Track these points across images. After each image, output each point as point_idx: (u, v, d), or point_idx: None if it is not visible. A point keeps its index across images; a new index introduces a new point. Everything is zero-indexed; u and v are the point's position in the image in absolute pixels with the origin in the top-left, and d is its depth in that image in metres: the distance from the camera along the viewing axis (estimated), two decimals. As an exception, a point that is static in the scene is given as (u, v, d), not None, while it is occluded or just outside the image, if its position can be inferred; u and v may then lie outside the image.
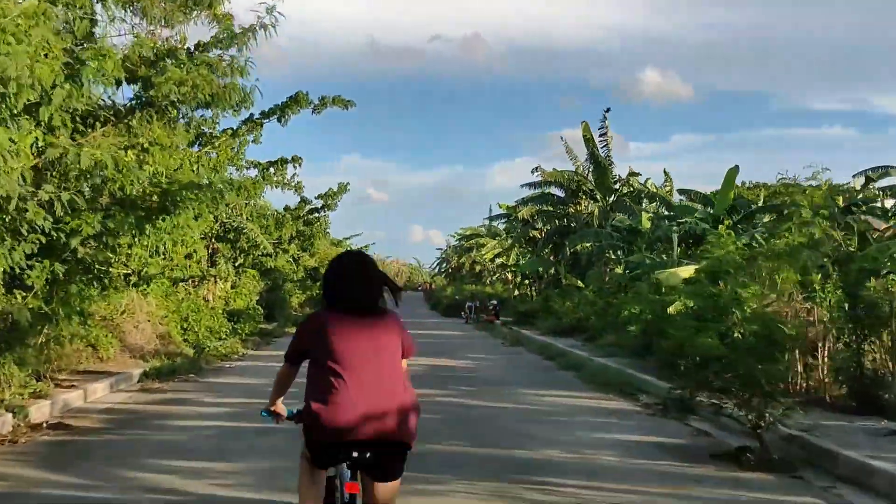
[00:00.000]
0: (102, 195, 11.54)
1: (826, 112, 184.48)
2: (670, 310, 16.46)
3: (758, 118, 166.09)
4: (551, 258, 33.85)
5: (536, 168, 31.27)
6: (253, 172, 22.12)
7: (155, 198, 11.74)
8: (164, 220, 12.00)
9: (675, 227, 22.38)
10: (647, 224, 24.52)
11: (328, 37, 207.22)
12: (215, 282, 28.24)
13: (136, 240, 12.23)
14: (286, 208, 36.58)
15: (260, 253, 28.91)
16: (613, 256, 26.53)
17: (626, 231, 25.03)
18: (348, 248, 66.66)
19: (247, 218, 29.94)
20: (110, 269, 12.58)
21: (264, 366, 17.27)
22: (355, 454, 3.64)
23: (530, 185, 31.94)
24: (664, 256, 21.06)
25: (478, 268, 57.64)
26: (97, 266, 12.09)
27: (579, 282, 29.92)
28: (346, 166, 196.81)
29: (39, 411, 10.13)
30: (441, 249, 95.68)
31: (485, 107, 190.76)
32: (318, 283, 45.72)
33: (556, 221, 33.07)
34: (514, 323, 31.23)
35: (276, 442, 8.40)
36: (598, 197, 30.00)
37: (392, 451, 3.74)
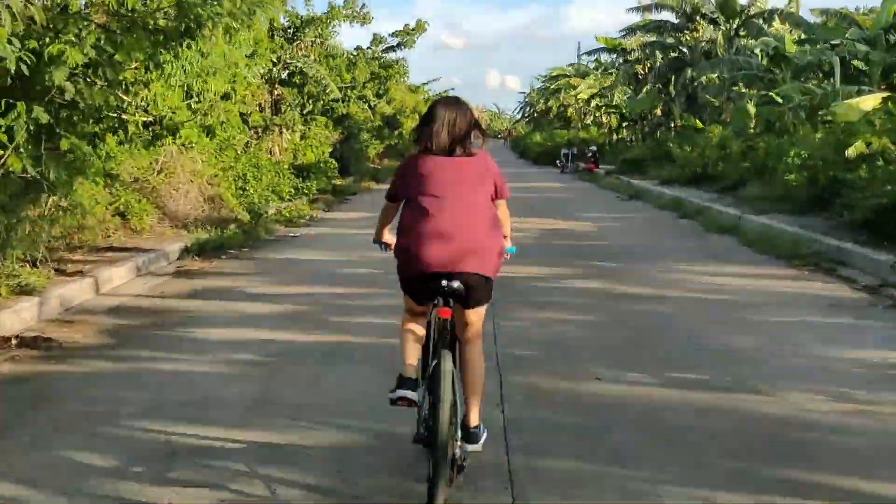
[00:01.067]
0: (95, 7, 8.17)
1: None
2: (850, 152, 12.70)
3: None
4: (662, 95, 29.45)
5: (638, -11, 26.53)
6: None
7: (170, 12, 8.25)
8: (188, 46, 8.64)
9: (830, 51, 17.99)
10: (792, 48, 20.02)
11: None
12: (280, 132, 25.01)
13: (151, 73, 8.92)
14: (358, 48, 32.83)
15: (330, 99, 25.37)
16: (747, 90, 22.12)
17: (767, 57, 20.49)
18: (428, 95, 63.38)
19: (315, 60, 26.35)
20: (124, 116, 9.30)
21: (338, 234, 14.20)
22: (444, 284, 3.71)
23: (636, 8, 27.22)
24: (825, 87, 16.77)
25: (570, 111, 53.10)
26: (103, 111, 8.80)
27: (698, 122, 25.69)
28: (421, 11, 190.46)
29: (17, 316, 7.12)
30: (524, 93, 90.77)
31: None
32: (397, 132, 42.31)
33: (669, 52, 28.50)
34: (620, 172, 27.36)
35: (350, 376, 5.46)
36: (721, 20, 25.24)
37: (478, 281, 3.78)
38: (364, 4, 28.82)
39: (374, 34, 31.99)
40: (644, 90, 32.75)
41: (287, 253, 11.96)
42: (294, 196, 18.99)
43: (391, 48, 32.17)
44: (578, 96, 47.84)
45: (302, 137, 27.21)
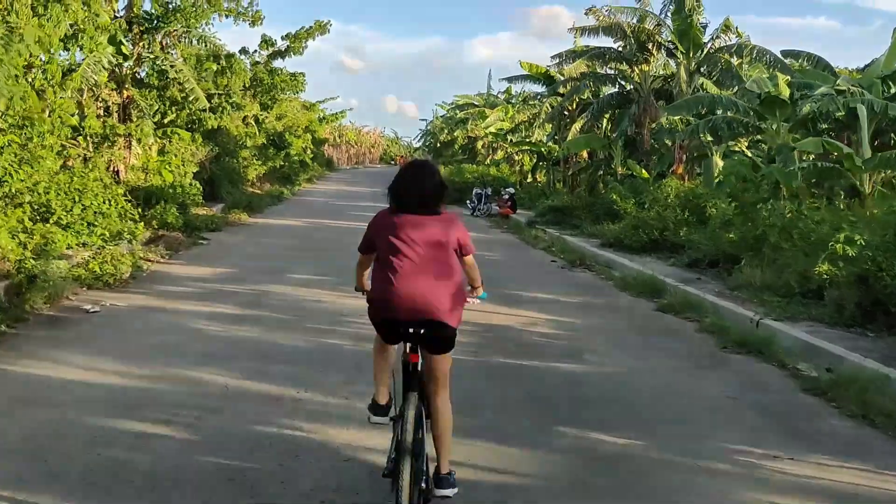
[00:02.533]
0: None
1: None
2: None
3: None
4: (600, 136, 25.28)
5: (590, 9, 22.19)
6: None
7: None
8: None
9: (843, 100, 13.98)
10: (785, 91, 15.96)
11: None
12: (129, 145, 19.49)
13: None
14: (242, 50, 27.54)
15: (199, 108, 20.06)
16: (720, 141, 17.96)
17: (757, 100, 16.25)
18: (324, 113, 58.39)
19: (183, 59, 20.99)
20: None
21: (162, 310, 9.15)
22: (411, 330, 4.20)
23: (581, 29, 22.86)
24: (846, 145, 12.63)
25: (478, 144, 48.75)
26: None
27: (643, 171, 21.50)
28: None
29: None
30: (425, 120, 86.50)
31: None
32: (284, 153, 37.00)
33: (611, 86, 24.35)
34: (543, 222, 22.95)
35: None
36: (679, 53, 21.15)
37: (440, 329, 4.24)
38: (253, 1, 23.80)
39: (263, 35, 26.81)
40: (574, 127, 28.55)
41: (43, 360, 6.80)
42: (128, 234, 13.61)
43: (279, 53, 27.02)
44: (488, 129, 43.51)
45: (161, 153, 21.75)
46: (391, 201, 4.39)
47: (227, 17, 22.93)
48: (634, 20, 21.54)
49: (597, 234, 19.44)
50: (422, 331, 4.20)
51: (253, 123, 39.89)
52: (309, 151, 53.07)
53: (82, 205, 14.24)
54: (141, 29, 20.53)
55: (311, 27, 27.24)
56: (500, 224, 25.40)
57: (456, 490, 4.23)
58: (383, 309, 4.27)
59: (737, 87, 18.97)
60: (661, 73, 23.27)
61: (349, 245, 6.25)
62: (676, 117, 19.28)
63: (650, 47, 22.03)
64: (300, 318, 9.34)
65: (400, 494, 3.87)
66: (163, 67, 19.27)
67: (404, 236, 4.25)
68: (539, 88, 31.78)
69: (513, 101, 53.30)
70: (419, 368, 4.26)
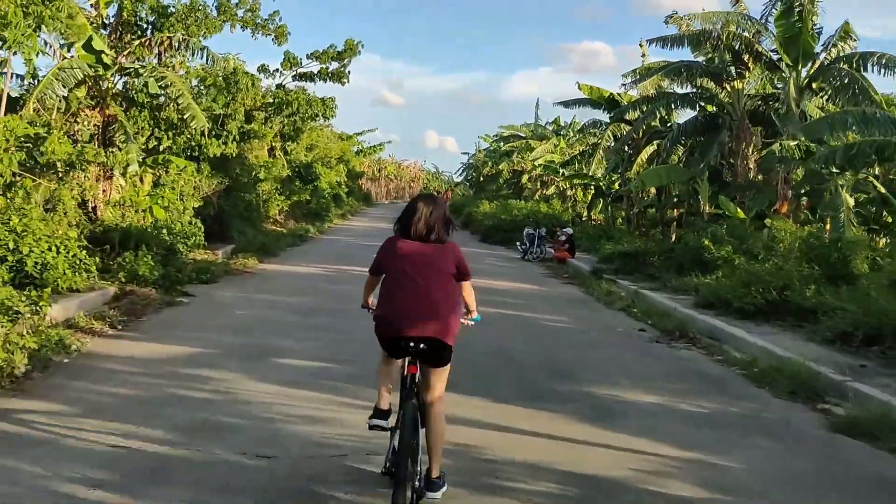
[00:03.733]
0: None
1: None
2: None
3: None
4: (685, 167, 21.29)
5: (671, 17, 18.38)
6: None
7: None
8: None
9: None
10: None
11: None
12: (108, 176, 16.03)
13: None
14: (261, 68, 24.12)
15: (198, 130, 16.60)
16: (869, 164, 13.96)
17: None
18: (362, 146, 56.03)
19: (183, 73, 17.60)
20: None
21: (35, 448, 5.12)
22: (411, 345, 4.72)
23: (661, 41, 18.96)
24: None
25: (524, 178, 44.86)
26: None
27: (739, 210, 17.49)
28: (365, 66, 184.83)
29: None
30: (467, 154, 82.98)
31: (504, 12, 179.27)
32: (311, 186, 33.50)
33: (696, 107, 20.45)
34: (612, 270, 19.04)
35: None
36: (785, 65, 17.17)
37: (438, 347, 4.76)
38: (276, 13, 20.43)
39: (286, 53, 23.36)
40: (640, 159, 24.65)
41: None
42: (24, 307, 9.92)
43: (308, 76, 23.54)
44: (537, 161, 39.63)
45: (157, 185, 18.31)
46: (399, 230, 5.00)
47: (243, 28, 19.57)
48: (722, 26, 17.56)
49: (685, 289, 15.52)
50: (422, 346, 4.72)
51: (281, 154, 36.75)
52: (343, 185, 49.78)
53: (20, 252, 10.81)
54: (132, 36, 17.18)
55: (342, 49, 23.82)
56: (556, 271, 21.50)
57: (445, 489, 4.89)
58: (388, 327, 4.83)
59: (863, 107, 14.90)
60: (758, 91, 19.24)
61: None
62: (793, 143, 15.21)
63: (745, 59, 18.07)
64: (260, 472, 5.50)
65: (398, 492, 4.35)
66: (155, 81, 15.76)
67: (410, 262, 4.85)
68: (599, 114, 27.99)
69: (562, 132, 49.63)
70: (416, 380, 4.83)
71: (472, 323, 5.38)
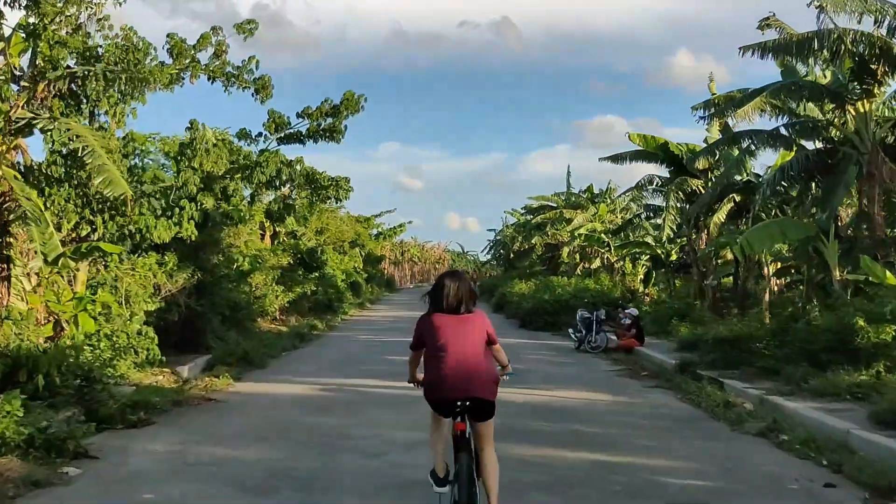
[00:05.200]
0: None
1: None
2: None
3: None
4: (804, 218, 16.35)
5: (766, 21, 13.77)
6: None
7: None
8: None
9: None
10: None
11: (353, 26, 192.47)
12: (3, 276, 11.44)
13: None
14: (242, 133, 19.65)
15: (117, 197, 12.08)
16: None
17: None
18: (382, 228, 53.09)
19: (100, 127, 13.19)
20: None
21: None
22: (458, 404, 5.53)
23: (756, 46, 14.16)
24: None
25: (563, 252, 39.89)
26: None
27: (890, 274, 12.50)
28: (383, 153, 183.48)
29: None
30: (493, 231, 78.39)
31: (517, 93, 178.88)
32: (315, 274, 28.81)
33: (785, 147, 15.68)
34: (708, 364, 14.09)
35: None
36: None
37: (482, 403, 5.60)
38: (253, 58, 16.03)
39: (271, 112, 18.87)
40: (716, 218, 19.81)
41: None
42: None
43: (296, 136, 19.03)
44: (578, 232, 34.80)
45: (91, 288, 13.81)
46: (431, 305, 5.80)
47: (210, 80, 15.09)
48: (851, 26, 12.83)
49: (833, 392, 10.63)
50: (468, 404, 5.54)
51: (287, 238, 32.30)
52: (361, 271, 45.24)
53: None
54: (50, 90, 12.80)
55: (339, 103, 19.31)
56: (627, 365, 16.54)
57: None
58: (437, 391, 5.63)
59: None
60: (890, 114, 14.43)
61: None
62: None
63: (876, 69, 13.31)
64: None
65: None
66: (61, 135, 11.26)
67: (447, 333, 5.63)
68: (653, 169, 23.31)
69: (597, 200, 44.99)
70: (467, 436, 5.60)
71: (508, 378, 6.08)
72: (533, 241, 43.62)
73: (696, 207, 20.00)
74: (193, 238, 14.71)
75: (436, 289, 5.78)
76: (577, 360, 17.79)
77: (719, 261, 21.94)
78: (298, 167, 18.86)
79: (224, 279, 17.90)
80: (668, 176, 22.50)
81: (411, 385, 6.19)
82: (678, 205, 21.15)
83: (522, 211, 55.62)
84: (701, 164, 19.43)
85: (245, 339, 18.92)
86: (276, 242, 31.24)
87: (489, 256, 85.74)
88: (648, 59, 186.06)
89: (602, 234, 33.06)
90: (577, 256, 39.36)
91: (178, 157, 14.30)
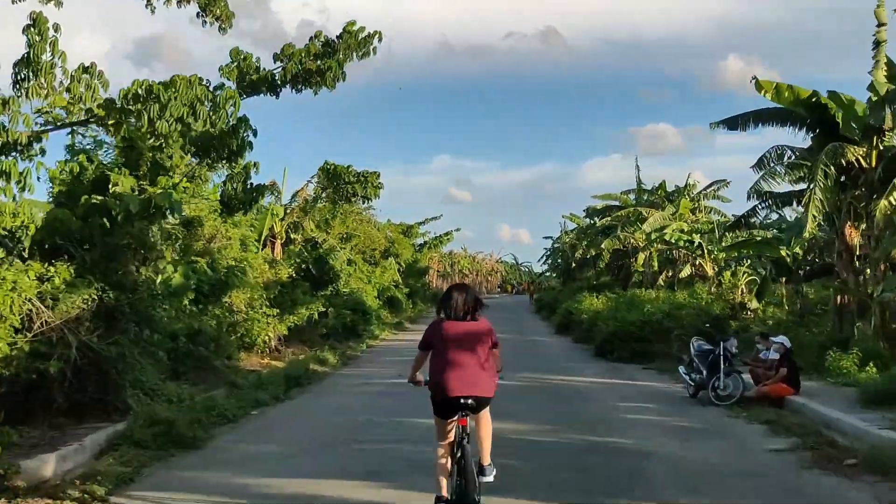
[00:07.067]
0: None
1: None
2: None
3: None
4: None
5: None
6: None
7: None
8: None
9: None
10: None
11: (400, 41, 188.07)
12: None
13: None
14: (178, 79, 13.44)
15: None
16: None
17: None
18: (426, 237, 53.31)
19: None
20: None
21: None
22: (461, 401, 6.20)
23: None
24: None
25: (639, 259, 33.32)
26: None
27: None
28: (435, 166, 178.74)
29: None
30: (550, 238, 71.80)
31: (566, 103, 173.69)
32: (330, 290, 22.63)
33: None
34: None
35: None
36: None
37: (483, 400, 6.33)
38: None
39: (233, 51, 12.54)
40: (884, 202, 13.28)
41: None
42: None
43: (266, 82, 12.78)
44: (661, 234, 28.07)
45: None
46: (440, 312, 6.59)
47: None
48: None
49: None
50: (470, 402, 6.21)
51: (301, 240, 26.44)
52: (400, 286, 39.11)
53: None
54: None
55: (338, 37, 12.87)
56: (794, 435, 10.01)
57: (494, 473, 6.48)
58: (443, 389, 6.25)
59: None
60: None
61: None
62: None
63: None
64: None
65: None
66: None
67: (455, 338, 6.35)
68: (786, 137, 16.75)
69: (674, 197, 38.28)
70: (468, 430, 6.33)
71: (499, 380, 6.67)
72: (602, 247, 36.90)
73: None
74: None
75: (445, 299, 6.58)
76: (705, 423, 11.30)
77: (888, 265, 15.32)
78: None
79: (155, 300, 11.80)
80: (811, 145, 15.97)
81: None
82: (830, 183, 14.54)
83: (584, 213, 49.00)
84: (889, 119, 12.96)
85: (207, 387, 12.99)
86: (290, 245, 25.39)
87: (545, 267, 79.18)
88: (699, 64, 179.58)
89: (693, 235, 26.44)
90: (656, 264, 32.71)
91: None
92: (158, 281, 12.47)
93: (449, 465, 6.34)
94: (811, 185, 14.57)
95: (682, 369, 13.90)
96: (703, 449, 9.41)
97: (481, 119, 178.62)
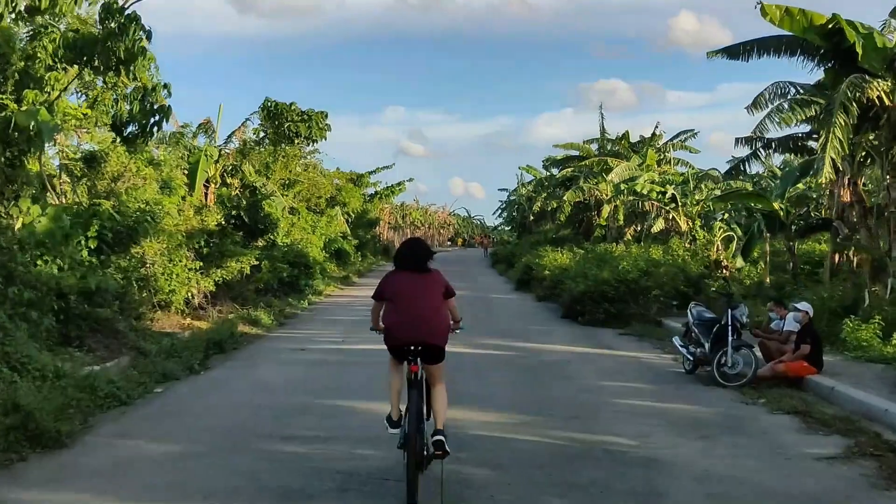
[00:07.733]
0: None
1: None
2: None
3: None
4: None
5: None
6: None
7: None
8: None
9: None
10: None
11: None
12: None
13: None
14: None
15: None
16: None
17: None
18: (377, 186, 50.13)
19: None
20: None
21: None
22: (411, 348, 6.11)
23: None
24: None
25: (604, 212, 31.22)
26: None
27: None
28: (388, 116, 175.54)
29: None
30: (506, 191, 69.68)
31: (522, 58, 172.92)
32: (266, 240, 20.11)
33: None
34: None
35: None
36: None
37: (434, 349, 6.20)
38: None
39: None
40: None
41: None
42: None
43: None
44: (640, 186, 25.83)
45: None
46: (397, 263, 6.51)
47: None
48: None
49: None
50: (420, 349, 6.12)
51: (239, 187, 23.95)
52: (349, 237, 36.65)
53: None
54: None
55: None
56: (834, 430, 7.95)
57: (446, 436, 6.03)
58: (395, 336, 6.21)
59: None
60: None
61: None
62: None
63: None
64: None
65: (409, 460, 5.73)
66: None
67: (407, 286, 6.29)
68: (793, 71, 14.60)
69: (638, 148, 36.29)
70: (419, 377, 6.12)
71: (460, 331, 6.74)
72: (563, 199, 34.71)
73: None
74: None
75: (401, 251, 6.59)
76: (718, 412, 9.11)
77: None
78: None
79: (15, 249, 9.25)
80: (820, 80, 13.84)
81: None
82: (852, 121, 12.41)
83: (544, 163, 46.71)
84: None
85: (106, 354, 10.62)
86: (220, 185, 22.85)
87: (500, 220, 77.20)
88: (652, 22, 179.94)
89: (667, 187, 24.36)
90: (622, 217, 30.66)
91: None
92: (18, 226, 9.91)
93: (399, 384, 6.32)
94: (829, 124, 12.40)
95: (677, 340, 11.76)
96: (729, 454, 7.24)
97: (435, 73, 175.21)
